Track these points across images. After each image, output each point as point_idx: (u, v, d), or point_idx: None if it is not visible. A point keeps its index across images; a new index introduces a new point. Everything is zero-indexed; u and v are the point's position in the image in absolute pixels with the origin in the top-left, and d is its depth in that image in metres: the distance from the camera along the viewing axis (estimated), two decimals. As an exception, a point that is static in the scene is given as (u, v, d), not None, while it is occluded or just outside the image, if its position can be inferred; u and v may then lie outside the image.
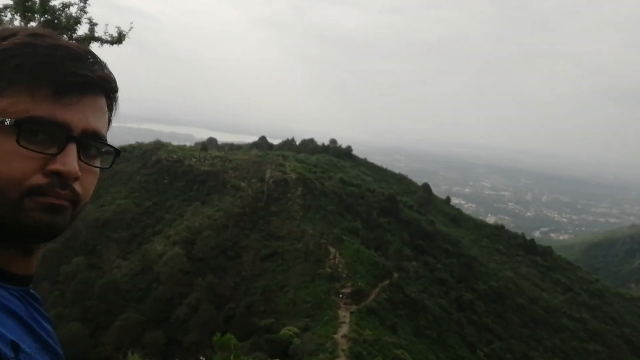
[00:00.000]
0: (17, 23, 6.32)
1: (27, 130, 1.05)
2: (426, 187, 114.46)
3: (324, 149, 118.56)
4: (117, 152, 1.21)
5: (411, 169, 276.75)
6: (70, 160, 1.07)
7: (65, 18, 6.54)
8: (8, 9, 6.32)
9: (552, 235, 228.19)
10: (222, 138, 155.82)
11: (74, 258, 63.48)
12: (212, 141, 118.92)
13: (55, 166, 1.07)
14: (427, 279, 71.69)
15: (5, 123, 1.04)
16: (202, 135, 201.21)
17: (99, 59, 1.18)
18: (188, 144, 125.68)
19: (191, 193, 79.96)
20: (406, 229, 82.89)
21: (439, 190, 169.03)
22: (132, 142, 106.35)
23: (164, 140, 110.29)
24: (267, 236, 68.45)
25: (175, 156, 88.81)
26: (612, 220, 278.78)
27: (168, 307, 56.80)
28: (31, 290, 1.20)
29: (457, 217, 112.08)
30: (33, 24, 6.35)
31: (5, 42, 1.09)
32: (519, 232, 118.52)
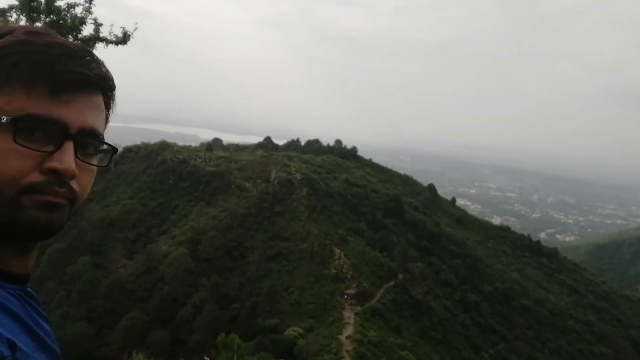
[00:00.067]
0: (22, 24, 6.34)
1: (24, 128, 1.05)
2: (431, 188, 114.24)
3: (329, 149, 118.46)
4: (114, 150, 1.20)
5: (416, 170, 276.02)
6: (67, 158, 1.07)
7: (71, 18, 6.56)
8: (13, 10, 6.34)
9: (558, 236, 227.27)
10: (227, 139, 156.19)
11: (79, 258, 63.71)
12: (217, 142, 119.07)
13: (52, 164, 1.06)
14: (432, 280, 71.54)
15: (2, 121, 1.04)
16: (208, 135, 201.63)
17: (96, 57, 1.17)
18: (193, 144, 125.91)
19: (196, 193, 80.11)
20: (411, 230, 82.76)
21: (444, 192, 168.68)
22: (138, 142, 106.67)
23: (170, 140, 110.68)
24: (272, 237, 68.47)
25: (181, 157, 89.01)
26: (618, 222, 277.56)
27: (173, 307, 56.90)
28: (28, 289, 1.19)
29: (462, 218, 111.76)
30: (38, 24, 6.37)
31: (1, 40, 1.09)
32: (525, 233, 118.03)
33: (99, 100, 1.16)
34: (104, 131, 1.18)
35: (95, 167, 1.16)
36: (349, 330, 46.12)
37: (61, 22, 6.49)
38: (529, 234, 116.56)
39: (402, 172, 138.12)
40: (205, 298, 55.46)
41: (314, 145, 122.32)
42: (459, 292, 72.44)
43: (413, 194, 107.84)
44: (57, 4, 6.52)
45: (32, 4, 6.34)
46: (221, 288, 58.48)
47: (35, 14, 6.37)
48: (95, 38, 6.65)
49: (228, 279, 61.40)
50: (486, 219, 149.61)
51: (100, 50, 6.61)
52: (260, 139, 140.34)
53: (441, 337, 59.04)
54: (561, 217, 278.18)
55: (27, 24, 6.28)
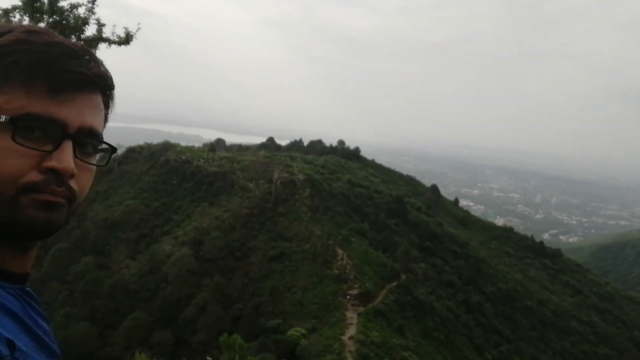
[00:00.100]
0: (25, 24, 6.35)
1: (22, 127, 1.05)
2: (434, 188, 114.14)
3: (332, 150, 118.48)
4: (113, 149, 1.20)
5: (419, 171, 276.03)
6: (66, 157, 1.07)
7: (74, 19, 6.57)
8: (17, 10, 6.35)
9: (561, 237, 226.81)
10: (228, 139, 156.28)
11: (83, 258, 63.86)
12: (220, 142, 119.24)
13: (51, 163, 1.06)
14: (435, 280, 71.45)
15: (1, 120, 1.04)
16: (210, 136, 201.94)
17: (95, 56, 1.17)
18: (196, 144, 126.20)
19: (199, 194, 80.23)
20: (414, 231, 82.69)
21: (447, 192, 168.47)
22: (141, 142, 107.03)
23: (173, 141, 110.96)
24: (275, 237, 68.49)
25: (184, 157, 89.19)
26: (622, 222, 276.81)
27: (176, 308, 56.97)
28: (28, 289, 1.19)
29: (465, 219, 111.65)
30: (41, 24, 6.38)
31: (1, 39, 1.09)
32: (528, 234, 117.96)
33: (98, 99, 1.16)
34: (103, 130, 1.18)
35: (94, 167, 1.16)
36: (351, 331, 46.10)
37: (64, 22, 6.50)
38: (532, 235, 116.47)
39: (404, 172, 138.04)
40: (208, 298, 55.51)
41: (317, 146, 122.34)
42: (462, 292, 72.34)
43: (416, 195, 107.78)
44: (60, 4, 6.53)
45: (35, 5, 6.35)
46: (224, 288, 58.54)
47: (38, 15, 6.38)
48: (98, 38, 6.65)
49: (231, 280, 61.46)
50: (489, 219, 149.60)
51: (102, 51, 6.63)
52: (261, 139, 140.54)
53: (444, 337, 58.95)
54: (564, 217, 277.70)
55: (30, 24, 6.29)
